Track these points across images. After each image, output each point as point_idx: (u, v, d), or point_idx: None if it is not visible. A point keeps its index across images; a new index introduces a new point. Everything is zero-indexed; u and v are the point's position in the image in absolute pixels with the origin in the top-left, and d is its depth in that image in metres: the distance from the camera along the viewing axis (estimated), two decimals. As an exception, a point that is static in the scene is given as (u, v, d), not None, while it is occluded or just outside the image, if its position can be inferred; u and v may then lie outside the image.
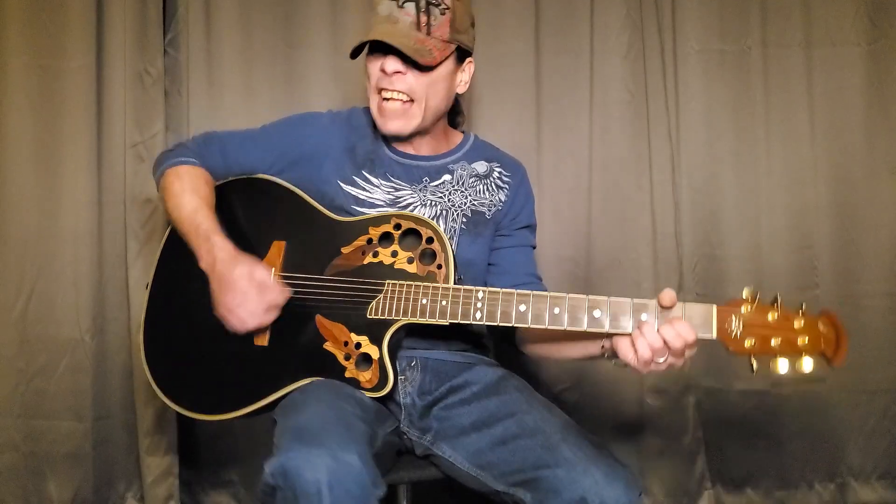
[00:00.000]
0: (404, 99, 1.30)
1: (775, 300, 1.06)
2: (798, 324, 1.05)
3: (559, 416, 1.21)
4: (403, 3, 1.27)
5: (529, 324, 1.12)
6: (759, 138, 1.97)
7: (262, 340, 1.25)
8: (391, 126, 1.31)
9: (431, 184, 1.36)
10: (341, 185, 1.33)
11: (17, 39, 1.78)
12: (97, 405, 1.83)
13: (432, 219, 1.30)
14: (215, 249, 1.21)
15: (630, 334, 1.07)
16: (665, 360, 1.06)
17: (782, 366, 1.05)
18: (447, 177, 1.38)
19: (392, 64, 1.27)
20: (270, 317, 1.20)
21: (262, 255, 1.29)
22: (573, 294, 1.11)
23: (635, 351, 1.06)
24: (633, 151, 1.95)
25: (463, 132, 1.48)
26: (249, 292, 1.17)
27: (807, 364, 1.04)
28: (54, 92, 1.80)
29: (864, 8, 1.96)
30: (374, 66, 1.30)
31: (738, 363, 1.94)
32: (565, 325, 1.10)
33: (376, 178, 1.34)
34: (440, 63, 1.29)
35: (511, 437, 1.17)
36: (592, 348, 1.18)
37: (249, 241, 1.31)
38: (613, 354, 1.12)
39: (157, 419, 1.81)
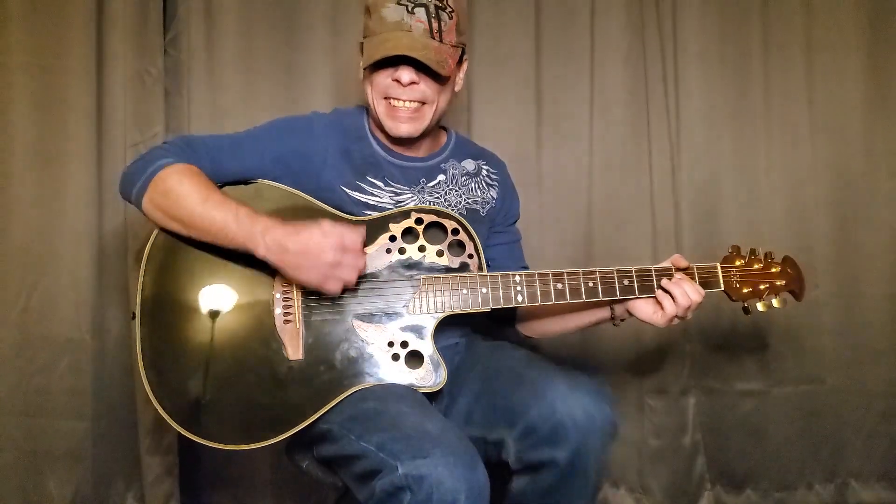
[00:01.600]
0: (415, 106, 1.28)
1: (754, 252, 1.34)
2: (775, 269, 1.33)
3: (525, 352, 1.27)
4: (414, 8, 1.23)
5: (569, 299, 1.23)
6: (759, 139, 1.97)
7: (297, 354, 1.20)
8: (403, 129, 1.29)
9: (428, 185, 1.36)
10: (346, 191, 1.30)
11: (18, 38, 1.78)
12: (97, 404, 1.82)
13: None
14: (271, 230, 1.14)
15: (653, 296, 1.26)
16: (684, 314, 1.25)
17: (760, 306, 1.32)
18: (441, 177, 1.38)
19: (408, 75, 1.25)
20: (364, 261, 1.18)
21: None
22: (601, 268, 1.26)
23: (661, 308, 1.25)
24: (634, 153, 1.95)
25: (444, 128, 1.47)
26: (343, 244, 1.13)
27: (777, 302, 1.32)
28: (54, 91, 1.79)
29: (864, 13, 1.96)
30: (383, 75, 1.27)
31: (737, 362, 1.96)
32: (601, 295, 1.25)
33: (379, 181, 1.32)
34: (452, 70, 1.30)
35: (484, 387, 1.22)
36: (601, 313, 1.33)
37: None
38: (623, 315, 1.32)
39: (158, 419, 1.80)
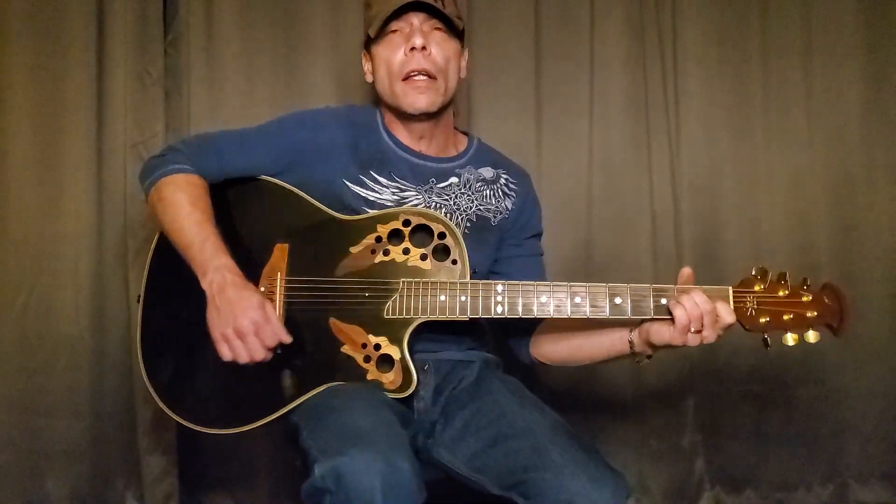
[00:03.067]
0: (427, 77, 1.29)
1: (783, 277, 1.14)
2: (806, 298, 1.13)
3: (550, 416, 1.20)
4: None
5: (551, 314, 1.14)
6: (759, 142, 1.98)
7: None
8: (421, 102, 1.28)
9: (438, 185, 1.34)
10: (347, 184, 1.29)
11: (18, 38, 1.79)
12: (96, 403, 1.83)
13: None
14: (224, 271, 1.14)
15: (651, 319, 1.14)
16: (700, 331, 1.10)
17: (790, 339, 1.12)
18: (454, 179, 1.36)
19: (420, 33, 1.26)
20: (268, 356, 1.13)
21: (263, 259, 1.24)
22: (593, 283, 1.14)
23: (673, 322, 1.11)
24: (633, 157, 1.95)
25: (466, 133, 1.47)
26: (262, 326, 1.10)
27: (812, 336, 1.12)
28: (55, 91, 1.80)
29: (863, 16, 1.97)
30: (397, 52, 1.28)
31: (737, 362, 1.96)
32: (587, 313, 1.14)
33: (383, 177, 1.31)
34: (461, 32, 1.32)
35: (502, 438, 1.16)
36: (618, 346, 1.22)
37: (249, 246, 1.27)
38: (643, 353, 1.19)
39: (157, 418, 1.81)
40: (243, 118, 1.85)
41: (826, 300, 1.13)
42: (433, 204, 1.32)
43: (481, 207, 1.36)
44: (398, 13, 1.27)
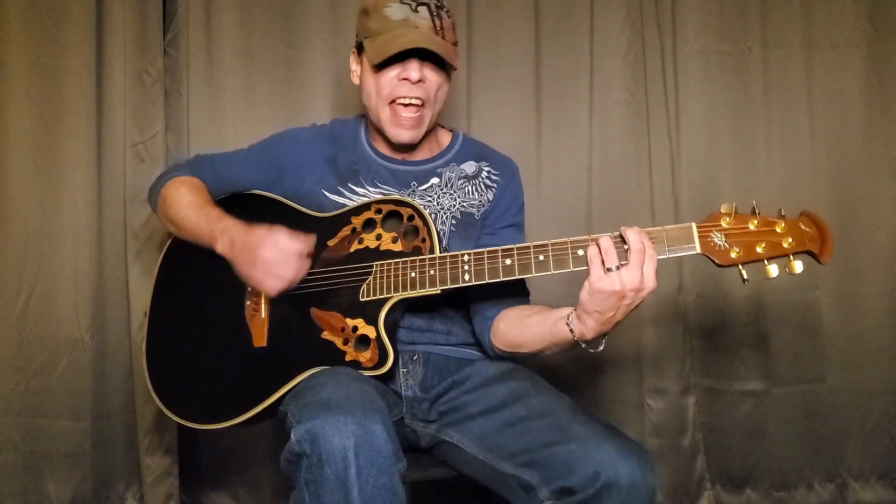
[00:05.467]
0: (419, 104, 1.29)
1: (755, 209, 1.10)
2: (780, 227, 1.09)
3: (566, 399, 1.22)
4: (417, 7, 1.26)
5: (517, 275, 1.15)
6: (759, 139, 1.97)
7: (261, 341, 1.28)
8: (406, 136, 1.31)
9: (420, 188, 1.36)
10: (327, 194, 1.35)
11: (18, 38, 1.79)
12: (97, 405, 1.83)
13: None
14: (228, 231, 1.24)
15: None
16: (618, 269, 1.06)
17: (773, 270, 1.08)
18: (435, 180, 1.37)
19: (417, 72, 1.26)
20: (306, 266, 1.21)
21: None
22: (555, 239, 1.14)
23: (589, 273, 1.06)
24: (633, 152, 1.95)
25: (451, 130, 1.46)
26: (280, 244, 1.17)
27: (798, 265, 1.07)
28: (54, 91, 1.80)
29: (864, 9, 1.96)
30: (389, 76, 1.27)
31: (737, 362, 1.96)
32: (552, 268, 1.13)
33: (361, 187, 1.35)
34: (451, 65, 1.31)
35: (519, 419, 1.17)
36: (560, 326, 1.15)
37: None
38: (579, 329, 1.11)
39: (157, 419, 1.81)
40: (242, 117, 1.87)
41: (803, 227, 1.09)
42: None
43: (464, 204, 1.37)
44: (403, 54, 1.26)
